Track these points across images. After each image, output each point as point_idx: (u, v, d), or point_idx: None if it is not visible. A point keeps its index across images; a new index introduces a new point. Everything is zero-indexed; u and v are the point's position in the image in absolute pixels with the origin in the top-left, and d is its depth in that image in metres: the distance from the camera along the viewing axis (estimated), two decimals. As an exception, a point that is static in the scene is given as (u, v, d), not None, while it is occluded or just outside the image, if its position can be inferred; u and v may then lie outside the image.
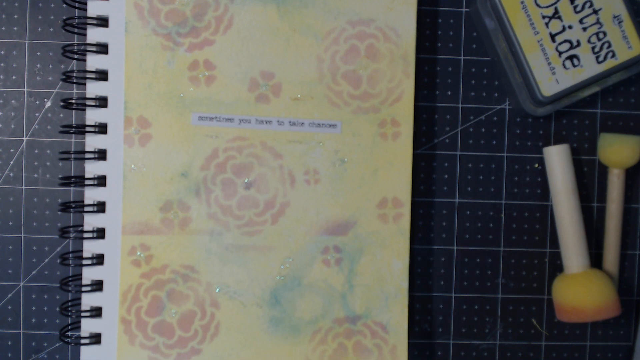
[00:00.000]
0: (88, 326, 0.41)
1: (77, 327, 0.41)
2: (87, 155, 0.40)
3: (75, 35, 0.43)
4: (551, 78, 0.41)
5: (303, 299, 0.41)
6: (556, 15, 0.40)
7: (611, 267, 0.44)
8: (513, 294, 0.45)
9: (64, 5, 0.43)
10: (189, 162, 0.41)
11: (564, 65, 0.41)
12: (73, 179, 0.40)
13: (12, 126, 0.43)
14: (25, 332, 0.43)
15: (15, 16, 0.43)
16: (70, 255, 0.41)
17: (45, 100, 0.43)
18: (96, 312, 0.41)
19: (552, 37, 0.41)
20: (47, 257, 0.43)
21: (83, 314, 0.40)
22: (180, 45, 0.40)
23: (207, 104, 0.41)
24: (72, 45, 0.41)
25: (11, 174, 0.43)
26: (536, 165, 0.45)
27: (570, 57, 0.41)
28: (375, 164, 0.41)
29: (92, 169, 0.41)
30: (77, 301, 0.41)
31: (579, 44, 0.41)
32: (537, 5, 0.40)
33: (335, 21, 0.41)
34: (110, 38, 0.40)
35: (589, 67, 0.41)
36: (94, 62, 0.40)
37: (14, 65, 0.43)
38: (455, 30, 0.44)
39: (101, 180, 0.40)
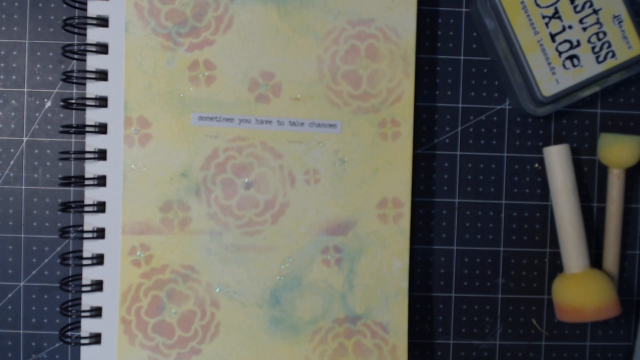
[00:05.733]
0: (88, 326, 0.41)
1: (77, 327, 0.41)
2: (87, 155, 0.40)
3: (75, 35, 0.43)
4: (551, 78, 0.41)
5: (303, 299, 0.41)
6: (556, 15, 0.40)
7: (611, 267, 0.44)
8: (513, 294, 0.45)
9: (64, 5, 0.43)
10: (189, 162, 0.41)
11: (564, 65, 0.41)
12: (73, 179, 0.40)
13: (12, 126, 0.43)
14: (25, 332, 0.43)
15: (15, 16, 0.43)
16: (70, 255, 0.41)
17: (45, 100, 0.43)
18: (96, 312, 0.41)
19: (552, 37, 0.41)
20: (47, 257, 0.43)
21: (83, 314, 0.40)
22: (180, 45, 0.40)
23: (207, 104, 0.41)
24: (72, 45, 0.41)
25: (11, 174, 0.43)
26: (536, 165, 0.45)
27: (570, 57, 0.41)
28: (375, 164, 0.41)
29: (92, 169, 0.41)
30: (77, 301, 0.41)
31: (579, 44, 0.41)
32: (537, 5, 0.40)
33: (335, 21, 0.41)
34: (110, 38, 0.40)
35: (589, 67, 0.41)
36: (94, 62, 0.40)
37: (14, 65, 0.43)
38: (455, 30, 0.44)
39: (101, 180, 0.40)
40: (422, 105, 0.44)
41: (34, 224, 0.43)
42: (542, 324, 0.45)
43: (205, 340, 0.41)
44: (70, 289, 0.41)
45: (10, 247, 0.43)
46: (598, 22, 0.40)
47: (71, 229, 0.42)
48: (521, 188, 0.45)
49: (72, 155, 0.41)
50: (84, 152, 0.40)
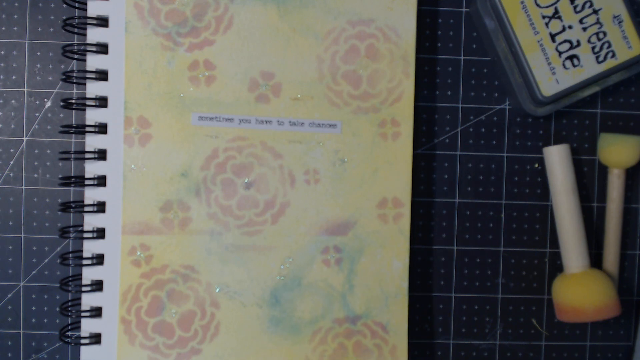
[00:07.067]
0: (88, 326, 0.41)
1: (77, 327, 0.41)
2: (87, 155, 0.40)
3: (75, 35, 0.43)
4: (551, 78, 0.41)
5: (303, 299, 0.41)
6: (556, 15, 0.40)
7: (611, 267, 0.44)
8: (513, 294, 0.45)
9: (64, 5, 0.43)
10: (189, 162, 0.41)
11: (564, 65, 0.41)
12: (73, 179, 0.40)
13: (12, 126, 0.43)
14: (25, 332, 0.43)
15: (15, 16, 0.43)
16: (70, 255, 0.41)
17: (45, 100, 0.43)
18: (96, 312, 0.41)
19: (552, 37, 0.41)
20: (47, 257, 0.43)
21: (83, 314, 0.40)
22: (180, 45, 0.40)
23: (207, 104, 0.41)
24: (72, 45, 0.41)
25: (11, 174, 0.43)
26: (536, 165, 0.45)
27: (570, 57, 0.41)
28: (375, 164, 0.41)
29: (92, 169, 0.41)
30: (77, 301, 0.41)
31: (579, 44, 0.41)
32: (537, 5, 0.40)
33: (335, 21, 0.41)
34: (110, 38, 0.40)
35: (589, 67, 0.41)
36: (94, 62, 0.40)
37: (14, 65, 0.43)
38: (455, 30, 0.44)
39: (101, 180, 0.40)
40: (422, 105, 0.44)
41: (34, 224, 0.43)
42: (542, 324, 0.45)
43: (205, 340, 0.41)
44: (70, 289, 0.41)
45: (10, 247, 0.43)
46: (598, 22, 0.40)
47: (71, 229, 0.42)
48: (521, 188, 0.45)
49: (72, 155, 0.41)
50: (84, 152, 0.40)
